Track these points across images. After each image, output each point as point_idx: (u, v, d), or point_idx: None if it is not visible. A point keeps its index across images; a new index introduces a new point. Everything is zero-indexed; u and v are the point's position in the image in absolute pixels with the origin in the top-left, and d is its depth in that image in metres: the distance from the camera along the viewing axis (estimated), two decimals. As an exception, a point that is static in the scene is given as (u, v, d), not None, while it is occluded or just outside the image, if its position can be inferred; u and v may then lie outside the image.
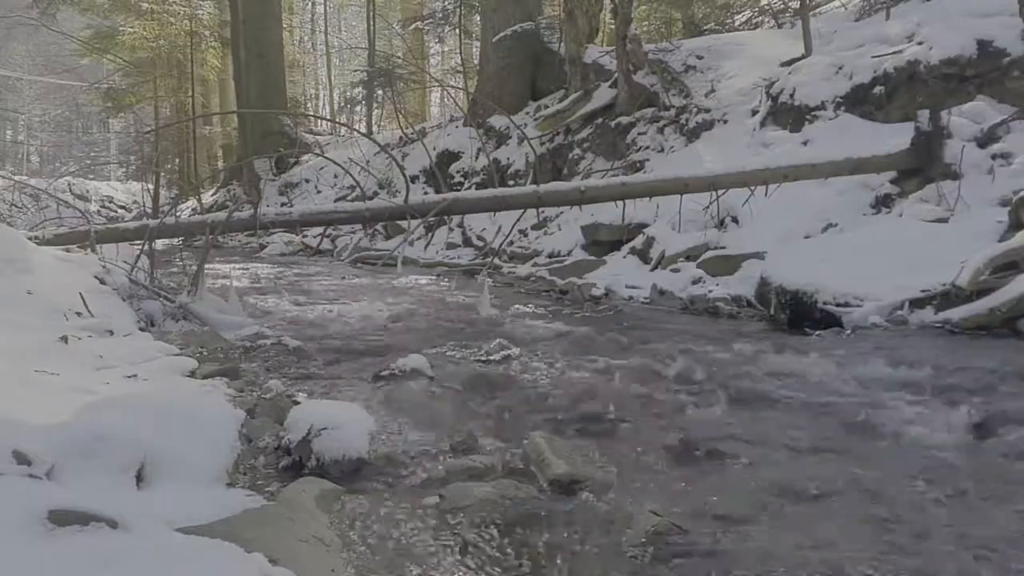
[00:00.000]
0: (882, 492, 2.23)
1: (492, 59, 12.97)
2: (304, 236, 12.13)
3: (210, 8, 19.79)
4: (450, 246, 10.46)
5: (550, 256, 8.48)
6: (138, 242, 5.69)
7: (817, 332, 4.45)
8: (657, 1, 13.94)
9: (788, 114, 7.87)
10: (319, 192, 16.05)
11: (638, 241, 7.32)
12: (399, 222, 8.18)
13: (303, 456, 2.38)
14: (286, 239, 12.71)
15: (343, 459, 2.37)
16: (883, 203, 5.88)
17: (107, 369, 3.13)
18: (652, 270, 6.80)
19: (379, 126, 20.09)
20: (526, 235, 9.29)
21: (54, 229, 6.24)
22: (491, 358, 3.97)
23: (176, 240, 9.75)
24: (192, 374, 3.34)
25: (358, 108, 20.99)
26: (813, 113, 7.61)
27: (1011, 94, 6.37)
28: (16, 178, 19.92)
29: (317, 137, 19.27)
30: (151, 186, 20.25)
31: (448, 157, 12.69)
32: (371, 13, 19.18)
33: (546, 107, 11.60)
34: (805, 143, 7.35)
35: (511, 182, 10.72)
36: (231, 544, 1.53)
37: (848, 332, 4.36)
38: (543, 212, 8.72)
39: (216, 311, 4.96)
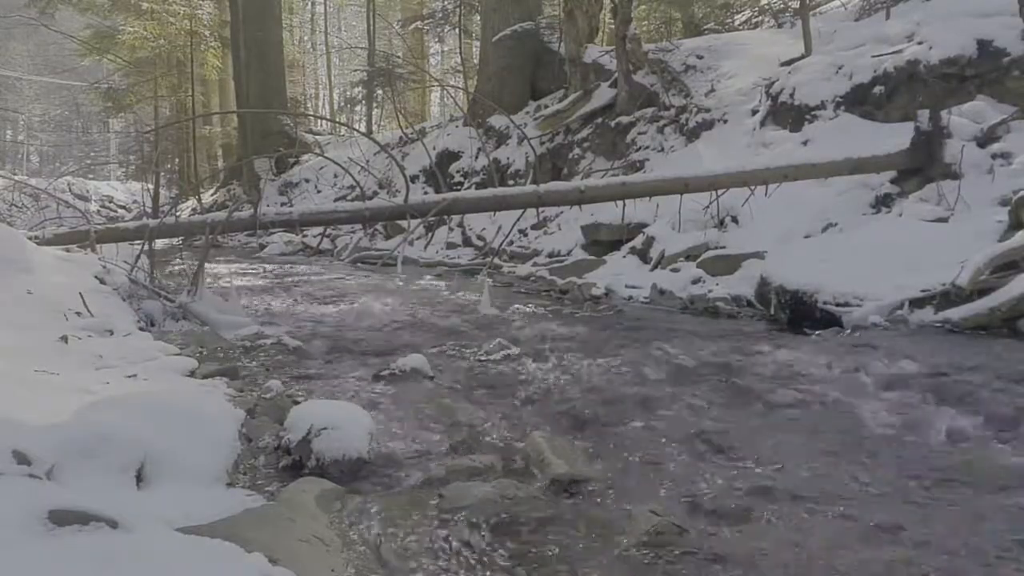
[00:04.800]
0: (881, 492, 2.24)
1: (492, 59, 12.96)
2: (304, 236, 12.11)
3: (210, 8, 19.77)
4: (450, 246, 10.45)
5: (550, 256, 8.48)
6: (138, 242, 5.69)
7: (817, 332, 4.44)
8: (657, 1, 13.95)
9: (788, 114, 7.87)
10: (319, 192, 16.05)
11: (638, 241, 7.32)
12: (399, 222, 8.17)
13: (303, 456, 2.39)
14: (286, 239, 12.70)
15: (343, 459, 2.37)
16: (883, 203, 5.88)
17: (107, 369, 3.13)
18: (652, 270, 6.80)
19: (379, 126, 20.07)
20: (526, 235, 9.29)
21: (54, 229, 6.24)
22: (491, 358, 3.97)
23: (176, 240, 9.74)
24: (192, 374, 3.34)
25: (358, 108, 20.99)
26: (813, 113, 7.61)
27: (1011, 94, 6.36)
28: (16, 178, 19.91)
29: (317, 137, 19.26)
30: (151, 186, 20.21)
31: (448, 157, 12.69)
32: (371, 13, 19.17)
33: (546, 107, 11.60)
34: (805, 143, 7.34)
35: (511, 182, 10.72)
36: (231, 544, 1.53)
37: (848, 332, 4.35)
38: (543, 212, 8.72)
39: (216, 311, 4.95)
